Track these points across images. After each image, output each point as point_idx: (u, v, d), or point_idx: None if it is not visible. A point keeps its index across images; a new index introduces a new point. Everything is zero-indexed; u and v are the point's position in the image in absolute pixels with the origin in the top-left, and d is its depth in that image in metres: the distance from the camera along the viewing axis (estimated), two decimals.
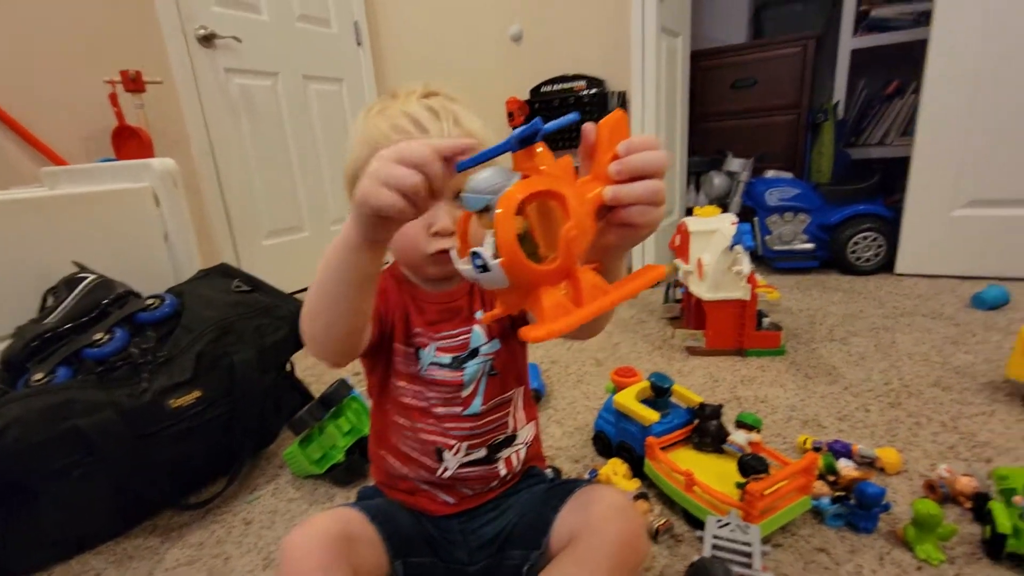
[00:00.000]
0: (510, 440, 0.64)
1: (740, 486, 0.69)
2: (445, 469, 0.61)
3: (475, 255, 0.33)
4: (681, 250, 1.42)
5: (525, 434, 0.66)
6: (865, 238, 1.86)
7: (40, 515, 0.79)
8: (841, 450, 0.86)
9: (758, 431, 0.82)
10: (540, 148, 0.34)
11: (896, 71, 2.30)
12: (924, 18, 2.05)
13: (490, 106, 2.28)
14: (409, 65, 2.50)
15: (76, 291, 0.95)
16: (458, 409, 0.60)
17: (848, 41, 2.25)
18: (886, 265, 1.86)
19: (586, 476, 0.86)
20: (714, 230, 1.30)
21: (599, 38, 2.03)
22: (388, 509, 0.62)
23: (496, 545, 0.62)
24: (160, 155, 1.47)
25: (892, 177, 2.03)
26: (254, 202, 2.05)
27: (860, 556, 0.68)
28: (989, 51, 1.56)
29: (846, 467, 0.81)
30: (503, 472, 0.64)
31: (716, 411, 0.84)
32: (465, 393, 0.60)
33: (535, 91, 2.19)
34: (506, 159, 0.36)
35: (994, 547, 0.65)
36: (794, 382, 1.16)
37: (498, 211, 0.31)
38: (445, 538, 0.63)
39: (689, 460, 0.81)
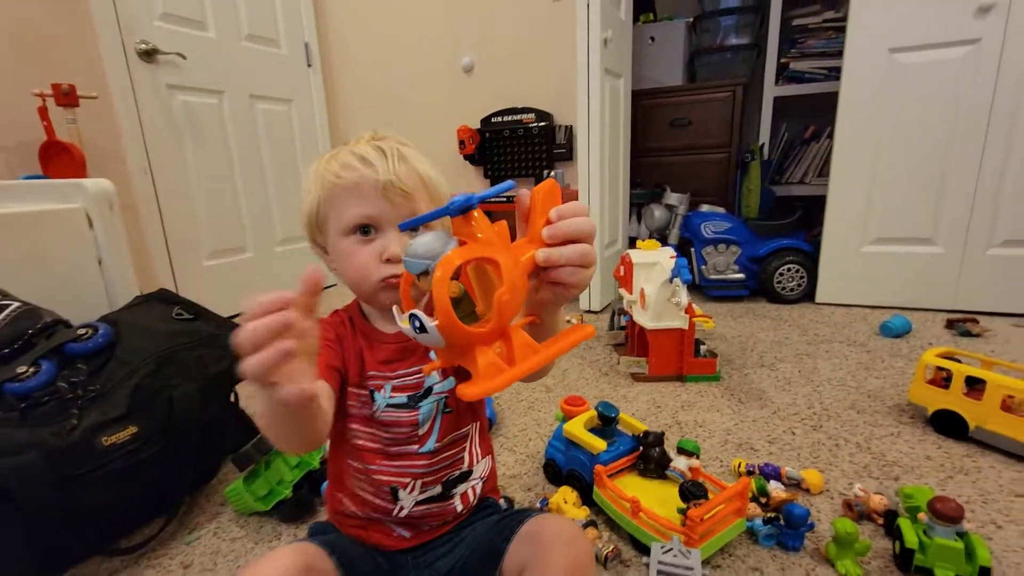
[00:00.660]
0: (465, 476, 0.66)
1: (681, 511, 0.73)
2: (401, 508, 0.62)
3: (413, 317, 0.34)
4: (625, 280, 1.50)
5: (481, 469, 0.68)
6: (789, 269, 2.01)
7: None
8: (771, 473, 0.93)
9: (697, 456, 0.87)
10: (476, 214, 0.35)
11: (813, 118, 2.54)
12: (835, 72, 2.29)
13: (441, 133, 2.32)
14: (361, 88, 2.50)
15: None
16: (413, 447, 0.61)
17: (771, 89, 2.46)
18: (808, 294, 2.03)
19: (537, 505, 0.88)
20: (655, 263, 1.38)
21: (548, 74, 2.12)
22: (343, 544, 0.62)
23: None
24: (94, 173, 1.40)
25: (811, 213, 2.23)
26: (195, 222, 1.97)
27: (789, 573, 0.74)
28: (889, 106, 1.76)
29: (776, 489, 0.87)
30: (459, 508, 0.65)
31: (659, 438, 0.89)
32: (421, 431, 0.61)
33: (486, 121, 2.25)
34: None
35: (904, 561, 0.73)
36: (729, 407, 1.23)
37: (436, 275, 0.32)
38: (399, 573, 0.63)
39: (635, 486, 0.85)
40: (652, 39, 2.52)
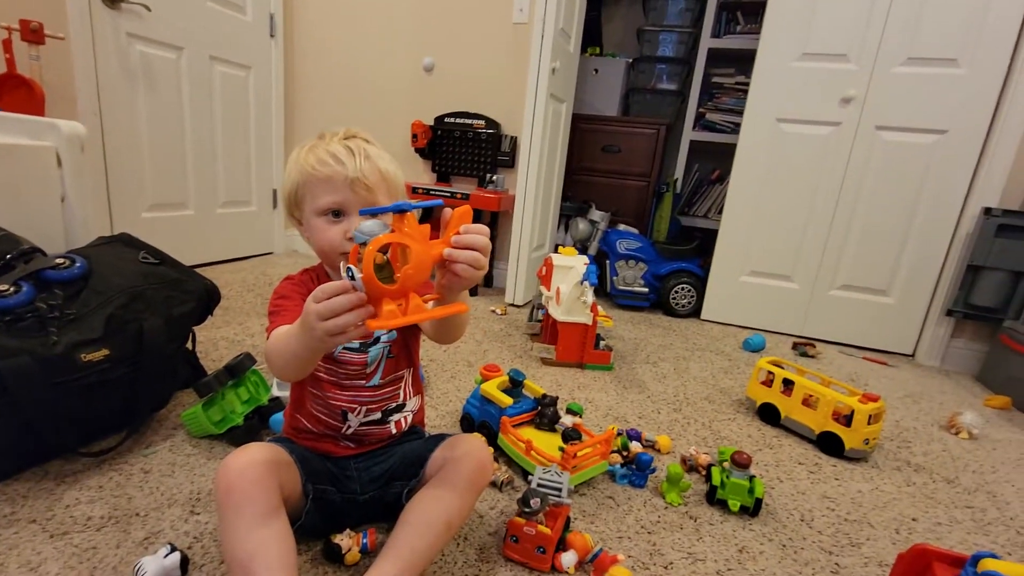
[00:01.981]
0: (400, 407, 0.86)
1: (561, 448, 0.98)
2: (348, 427, 0.81)
3: (349, 269, 0.53)
4: (545, 279, 1.75)
5: (412, 404, 0.88)
6: (683, 288, 2.37)
7: None
8: (634, 435, 1.20)
9: (580, 416, 1.13)
10: (408, 217, 0.55)
11: (720, 163, 2.96)
12: (739, 128, 2.70)
13: (396, 125, 2.48)
14: (321, 67, 2.59)
15: None
16: (361, 382, 0.81)
17: (688, 132, 2.85)
18: (696, 311, 2.40)
19: None
20: (571, 266, 1.64)
21: (501, 87, 2.34)
22: (299, 449, 0.80)
23: (383, 480, 0.83)
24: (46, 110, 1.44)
25: (707, 244, 2.62)
26: (139, 173, 1.99)
27: (633, 501, 1.01)
28: (771, 164, 2.16)
29: (635, 446, 1.15)
30: (393, 431, 0.85)
31: (553, 401, 1.13)
32: (368, 370, 0.81)
33: (439, 120, 2.44)
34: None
35: (710, 496, 1.02)
36: (615, 390, 1.52)
37: (368, 248, 0.51)
38: (343, 474, 0.82)
39: (531, 435, 1.09)
40: (596, 71, 2.82)
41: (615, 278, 2.45)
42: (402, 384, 0.86)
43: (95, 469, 0.94)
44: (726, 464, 1.03)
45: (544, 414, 1.12)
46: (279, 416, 1.08)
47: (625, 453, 1.13)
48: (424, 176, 2.52)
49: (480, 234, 0.59)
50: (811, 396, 1.33)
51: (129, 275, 1.08)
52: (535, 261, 2.30)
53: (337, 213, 0.74)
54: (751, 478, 1.00)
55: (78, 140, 1.24)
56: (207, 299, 1.20)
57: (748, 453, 1.01)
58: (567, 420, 1.11)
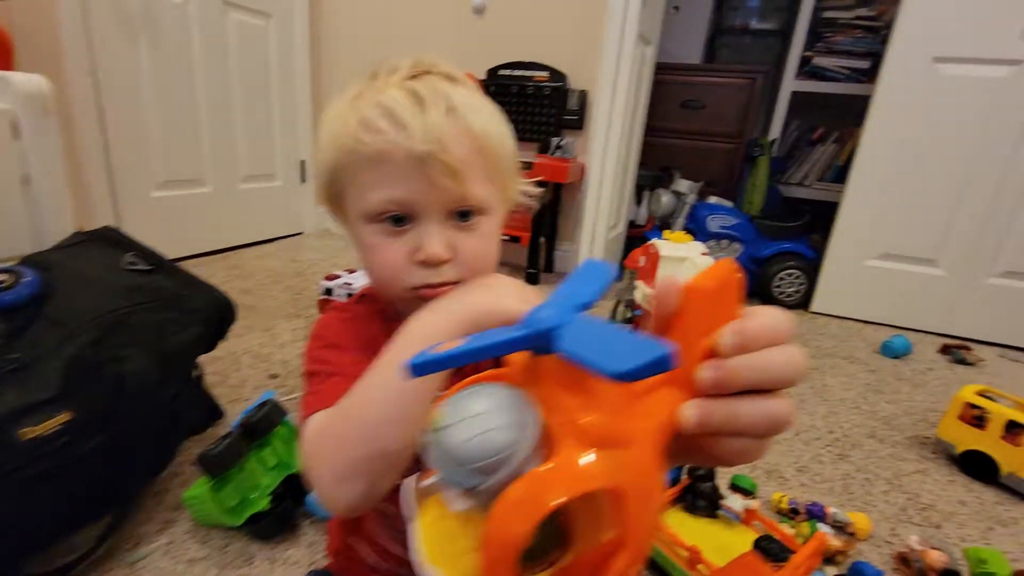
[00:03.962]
0: None
1: None
2: None
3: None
4: (645, 272, 1.37)
5: None
6: (790, 275, 1.96)
7: None
8: (817, 513, 0.84)
9: (754, 496, 0.78)
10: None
11: (824, 119, 2.47)
12: (858, 74, 2.21)
13: None
14: (352, 12, 2.20)
15: None
16: None
17: (790, 82, 2.36)
18: (803, 303, 1.99)
19: None
20: (686, 258, 1.26)
21: (568, 30, 1.91)
22: None
23: None
24: (22, 67, 1.11)
25: (814, 218, 2.17)
26: (145, 143, 1.66)
27: None
28: (923, 117, 1.68)
29: (825, 532, 0.79)
30: None
31: (710, 471, 0.78)
32: None
33: (492, 72, 2.03)
34: None
35: None
36: None
37: (491, 529, 0.17)
38: None
39: (682, 525, 0.74)
40: (676, 8, 2.35)
41: None
42: None
43: None
44: None
45: (699, 492, 0.77)
46: None
47: None
48: None
49: (777, 341, 0.22)
50: None
51: (107, 292, 0.76)
52: (611, 243, 1.92)
53: (400, 219, 0.39)
54: None
55: (39, 99, 0.91)
56: (218, 320, 0.87)
57: None
58: (735, 503, 0.76)
